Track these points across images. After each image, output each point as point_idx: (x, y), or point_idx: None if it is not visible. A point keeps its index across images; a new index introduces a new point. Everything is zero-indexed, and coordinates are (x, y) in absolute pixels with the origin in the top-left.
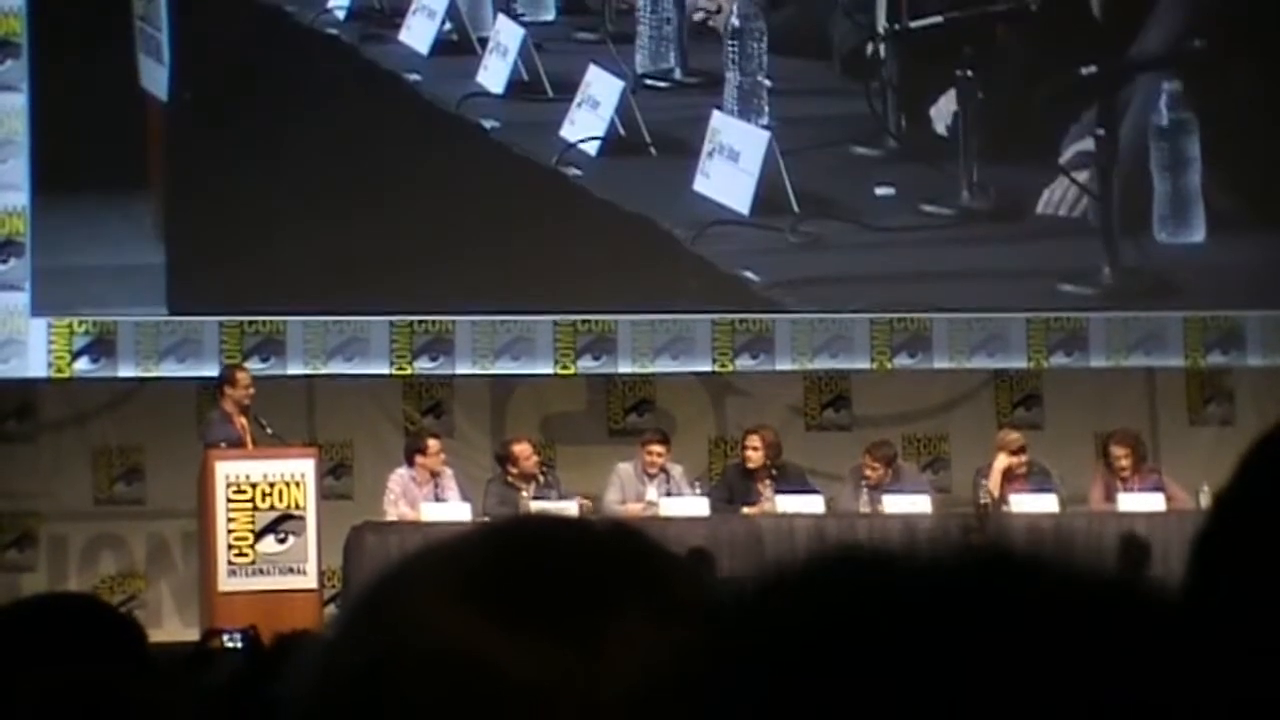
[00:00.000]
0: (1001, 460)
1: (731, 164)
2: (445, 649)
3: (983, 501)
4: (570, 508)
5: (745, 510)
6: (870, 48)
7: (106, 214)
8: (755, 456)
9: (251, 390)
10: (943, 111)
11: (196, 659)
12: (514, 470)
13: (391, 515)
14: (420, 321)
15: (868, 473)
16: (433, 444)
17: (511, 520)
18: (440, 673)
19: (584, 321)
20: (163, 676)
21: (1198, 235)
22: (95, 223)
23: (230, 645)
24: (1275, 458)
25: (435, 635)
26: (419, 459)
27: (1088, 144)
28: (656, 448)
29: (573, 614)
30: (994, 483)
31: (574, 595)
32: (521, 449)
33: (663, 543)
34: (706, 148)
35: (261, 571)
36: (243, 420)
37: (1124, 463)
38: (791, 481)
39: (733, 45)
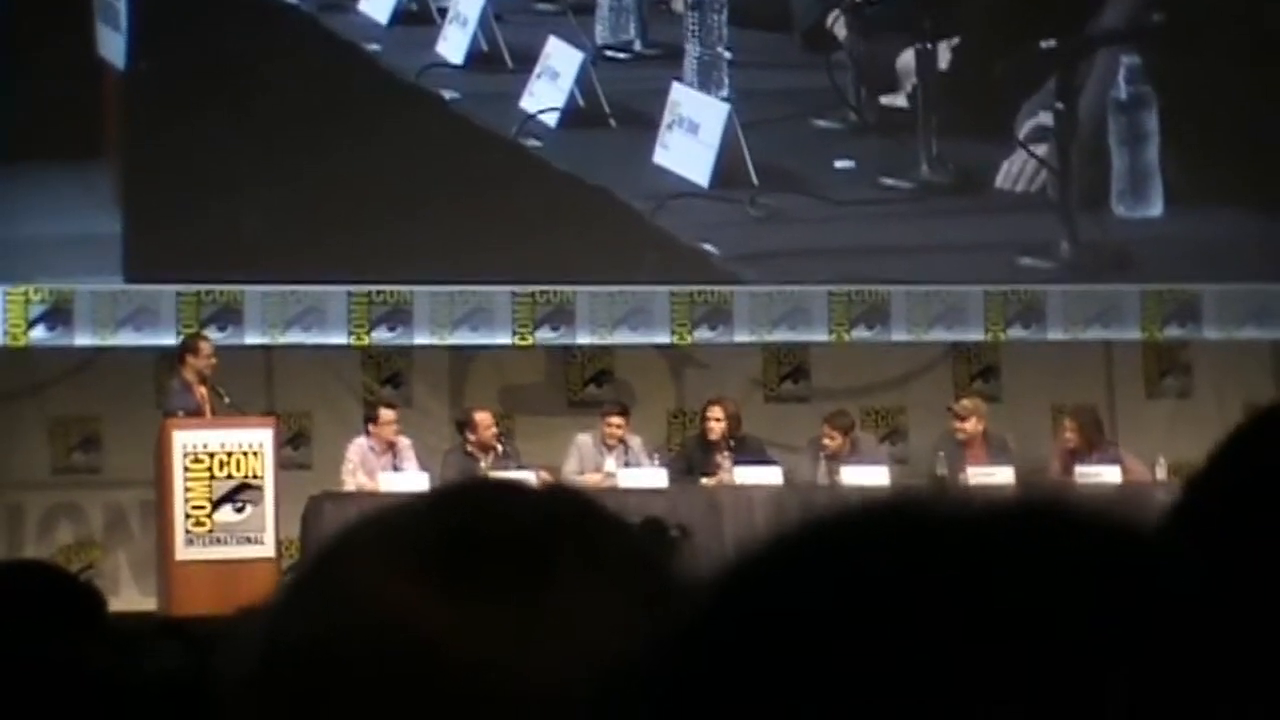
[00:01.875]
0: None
1: (691, 136)
2: (385, 621)
3: (939, 473)
4: (529, 478)
5: (704, 481)
6: (830, 20)
7: (63, 182)
8: (717, 427)
9: (214, 360)
10: (902, 84)
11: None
12: (473, 438)
13: (350, 485)
14: (379, 292)
15: (826, 441)
16: (385, 414)
17: (452, 487)
18: (380, 645)
19: (543, 292)
20: (121, 645)
21: (1155, 209)
22: (51, 191)
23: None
24: (1252, 442)
25: (375, 607)
26: (372, 428)
27: (1046, 118)
28: (616, 419)
29: (512, 580)
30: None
31: (514, 561)
32: (482, 417)
33: (608, 508)
34: (666, 120)
35: (219, 541)
36: (202, 390)
37: (1070, 436)
38: (751, 453)
39: (693, 17)
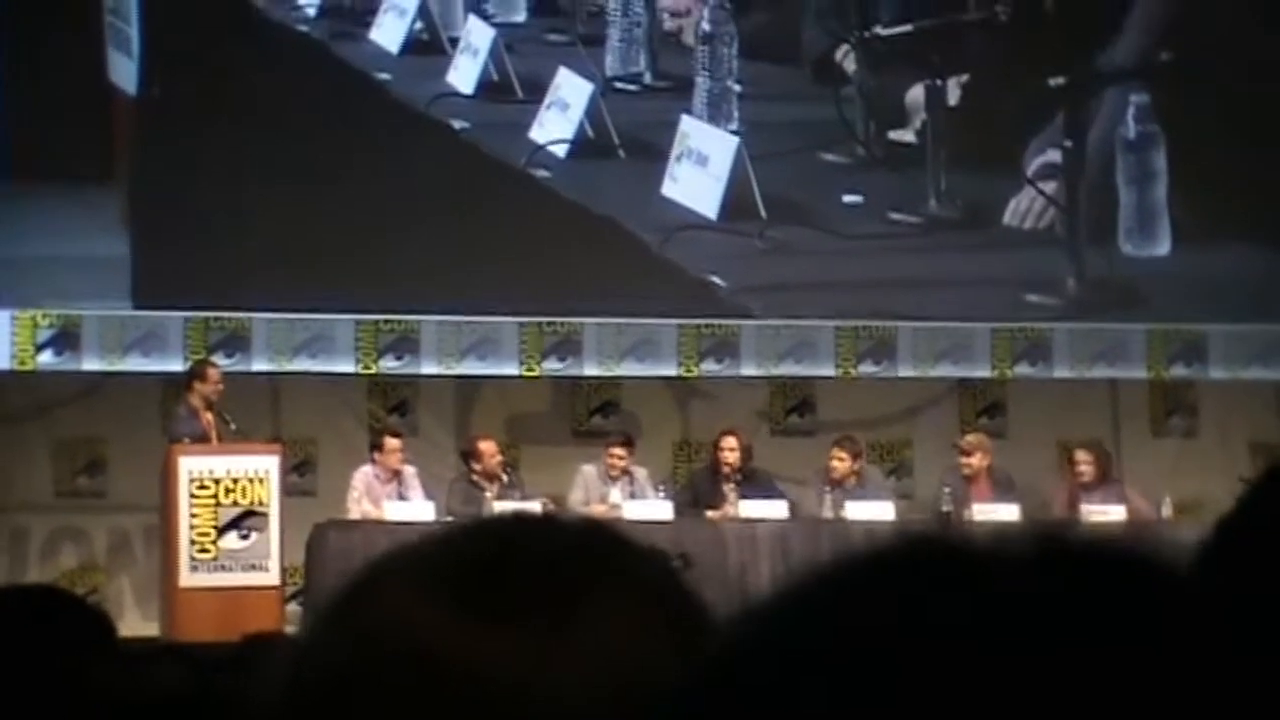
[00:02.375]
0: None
1: (700, 169)
2: (417, 649)
3: (944, 509)
4: (534, 509)
5: (709, 514)
6: (839, 54)
7: (72, 206)
8: (731, 457)
9: (221, 386)
10: (910, 119)
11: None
12: (478, 467)
13: (355, 513)
14: (386, 320)
15: (834, 463)
16: (391, 442)
17: (481, 520)
18: (412, 673)
19: (550, 323)
20: (131, 668)
21: (1163, 248)
22: (60, 215)
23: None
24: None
25: (406, 635)
26: (378, 456)
27: (1055, 155)
28: (618, 450)
29: (544, 608)
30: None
31: (545, 590)
32: (487, 446)
33: (638, 541)
34: (675, 152)
35: (223, 568)
36: (209, 416)
37: (1086, 469)
38: (761, 486)
39: (703, 50)
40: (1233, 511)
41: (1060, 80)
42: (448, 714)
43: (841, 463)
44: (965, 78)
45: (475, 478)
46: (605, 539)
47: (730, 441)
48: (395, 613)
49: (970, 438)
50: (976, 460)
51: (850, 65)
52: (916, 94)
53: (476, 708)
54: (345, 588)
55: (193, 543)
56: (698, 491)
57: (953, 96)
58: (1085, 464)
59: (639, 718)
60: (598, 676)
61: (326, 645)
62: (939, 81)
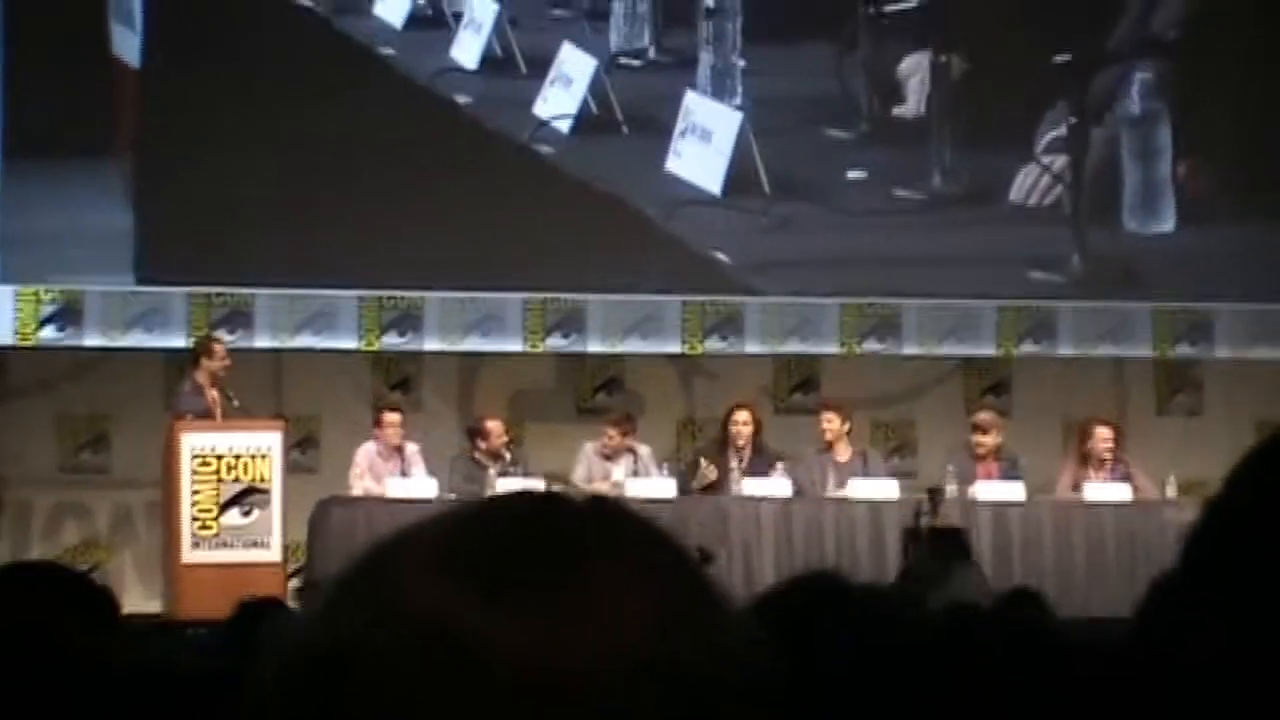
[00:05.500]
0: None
1: (704, 144)
2: (427, 622)
3: (948, 487)
4: (537, 486)
5: (706, 478)
6: (847, 30)
7: (76, 181)
8: (745, 431)
9: (227, 362)
10: (915, 95)
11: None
12: (483, 445)
13: (357, 490)
14: (390, 297)
15: (824, 426)
16: (389, 416)
17: (494, 498)
18: (419, 647)
19: (554, 300)
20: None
21: (1167, 225)
22: (64, 189)
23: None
24: (1269, 464)
25: (416, 609)
26: (377, 431)
27: (1061, 131)
28: (612, 430)
29: (554, 582)
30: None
31: (555, 564)
32: (494, 425)
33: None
34: (679, 127)
35: (225, 544)
36: (213, 392)
37: (1107, 445)
38: (768, 461)
39: (707, 25)
40: (1221, 491)
41: (1066, 57)
42: (457, 687)
43: (830, 424)
44: (970, 53)
45: (478, 455)
46: (616, 516)
47: (743, 415)
48: (410, 591)
49: (985, 415)
50: (991, 439)
51: (855, 41)
52: (910, 64)
53: (485, 679)
54: (355, 565)
55: (195, 519)
56: (704, 463)
57: (957, 72)
58: (1105, 441)
59: (655, 695)
60: (613, 654)
61: (336, 622)
62: (943, 58)
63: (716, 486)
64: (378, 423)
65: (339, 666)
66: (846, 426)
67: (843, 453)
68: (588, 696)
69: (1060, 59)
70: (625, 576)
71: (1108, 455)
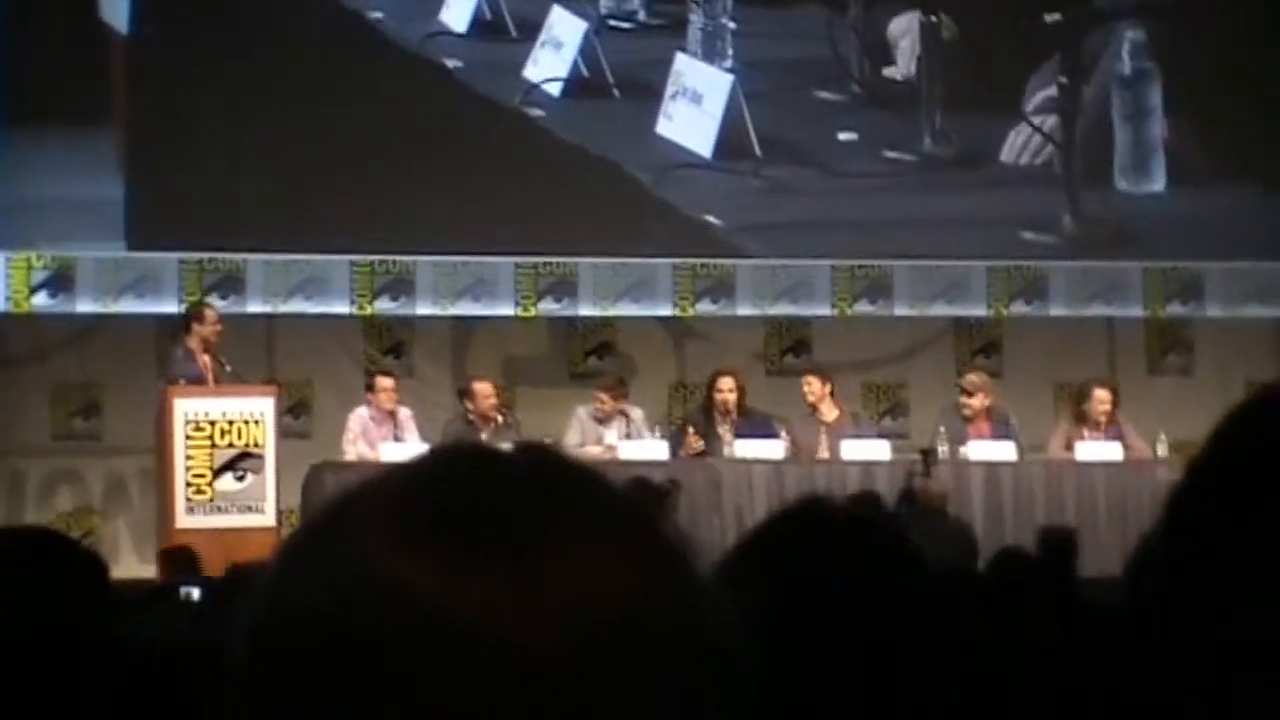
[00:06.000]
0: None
1: (695, 107)
2: (380, 589)
3: (940, 448)
4: None
5: (693, 442)
6: None
7: (66, 148)
8: (730, 399)
9: (219, 327)
10: (906, 57)
11: (156, 598)
12: (471, 407)
13: (350, 455)
14: (381, 261)
15: (804, 390)
16: (382, 381)
17: (436, 453)
18: (385, 614)
19: (545, 264)
20: (123, 611)
21: (1158, 185)
22: (56, 156)
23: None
24: (1250, 424)
25: (369, 575)
26: (370, 396)
27: (1051, 91)
28: (603, 395)
29: (514, 546)
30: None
31: (514, 527)
32: (482, 387)
33: (586, 464)
34: (669, 90)
35: (219, 509)
36: (206, 358)
37: (1104, 408)
38: (757, 427)
39: None
40: (1203, 451)
41: (1056, 16)
42: (415, 651)
43: (810, 387)
44: (960, 13)
45: (471, 418)
46: (564, 470)
47: (727, 382)
48: (359, 552)
49: (973, 377)
50: (978, 401)
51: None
52: (899, 24)
53: (443, 643)
54: (308, 526)
55: (188, 485)
56: (694, 429)
57: (947, 33)
58: (1103, 404)
59: (618, 659)
60: (576, 619)
61: (293, 585)
62: (933, 18)
63: (704, 455)
64: (371, 388)
65: (299, 634)
66: (828, 388)
67: (828, 414)
68: (552, 662)
69: (1051, 18)
70: (585, 539)
71: (1103, 418)
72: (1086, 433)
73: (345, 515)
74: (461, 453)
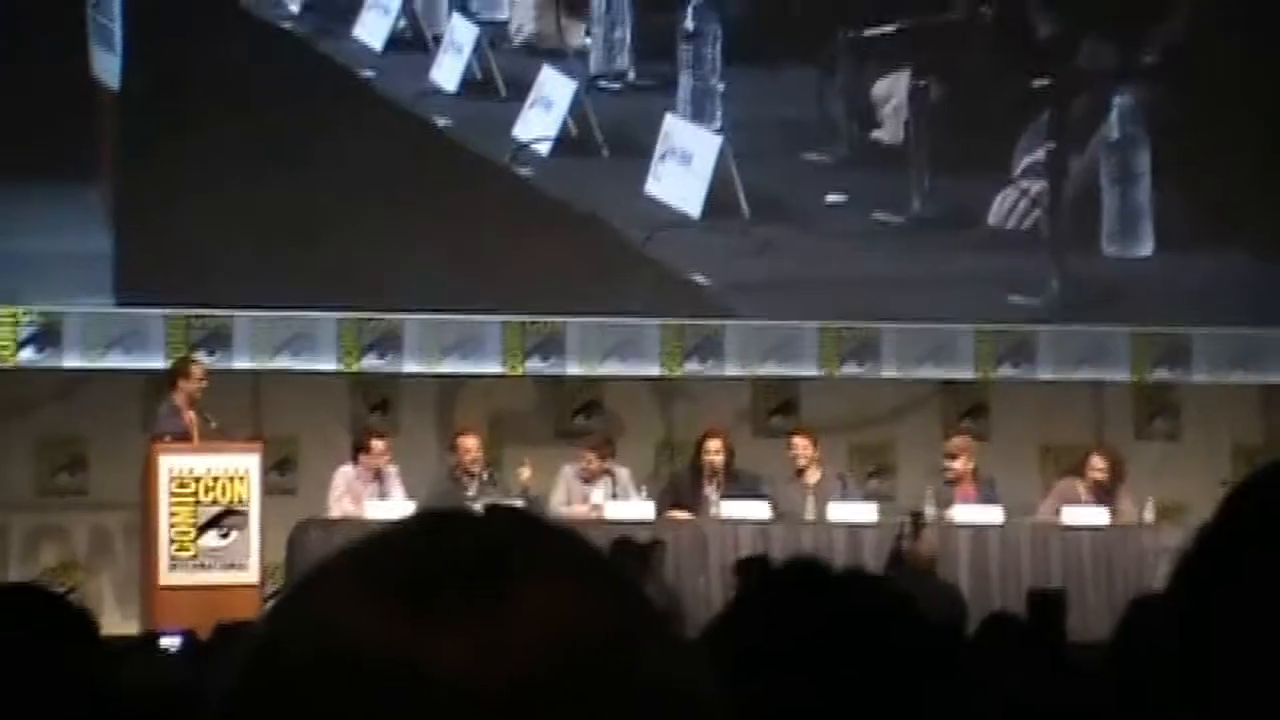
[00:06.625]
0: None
1: (683, 167)
2: (359, 644)
3: (928, 511)
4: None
5: (675, 514)
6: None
7: (55, 202)
8: (717, 460)
9: (205, 383)
10: (894, 119)
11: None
12: (453, 460)
13: (336, 512)
14: (368, 318)
15: (796, 451)
16: (377, 444)
17: (420, 515)
18: (354, 667)
19: (533, 322)
20: (113, 665)
21: (1146, 249)
22: (44, 211)
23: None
24: (1263, 492)
25: (349, 631)
26: (363, 457)
27: (1039, 155)
28: (589, 454)
29: (481, 597)
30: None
31: (481, 580)
32: (465, 441)
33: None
34: (659, 150)
35: (203, 566)
36: (191, 414)
37: (1100, 474)
38: (744, 488)
39: (686, 48)
40: (1214, 519)
41: (1044, 81)
42: (384, 705)
43: (804, 450)
44: (949, 77)
45: (457, 474)
46: (540, 530)
47: (715, 444)
48: (343, 613)
49: (956, 440)
50: (961, 464)
51: (834, 65)
52: (884, 85)
53: (423, 702)
54: (296, 586)
55: (173, 541)
56: (678, 492)
57: (936, 96)
58: (1099, 470)
59: (574, 691)
60: (526, 656)
61: (274, 642)
62: (922, 82)
63: (690, 511)
64: (365, 449)
65: (279, 691)
66: (817, 452)
67: (813, 476)
68: (511, 706)
69: (1039, 83)
70: (552, 590)
71: (1103, 485)
72: (1083, 493)
73: (323, 576)
74: (432, 515)
